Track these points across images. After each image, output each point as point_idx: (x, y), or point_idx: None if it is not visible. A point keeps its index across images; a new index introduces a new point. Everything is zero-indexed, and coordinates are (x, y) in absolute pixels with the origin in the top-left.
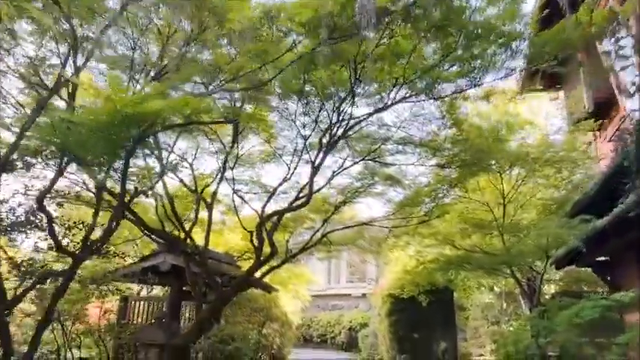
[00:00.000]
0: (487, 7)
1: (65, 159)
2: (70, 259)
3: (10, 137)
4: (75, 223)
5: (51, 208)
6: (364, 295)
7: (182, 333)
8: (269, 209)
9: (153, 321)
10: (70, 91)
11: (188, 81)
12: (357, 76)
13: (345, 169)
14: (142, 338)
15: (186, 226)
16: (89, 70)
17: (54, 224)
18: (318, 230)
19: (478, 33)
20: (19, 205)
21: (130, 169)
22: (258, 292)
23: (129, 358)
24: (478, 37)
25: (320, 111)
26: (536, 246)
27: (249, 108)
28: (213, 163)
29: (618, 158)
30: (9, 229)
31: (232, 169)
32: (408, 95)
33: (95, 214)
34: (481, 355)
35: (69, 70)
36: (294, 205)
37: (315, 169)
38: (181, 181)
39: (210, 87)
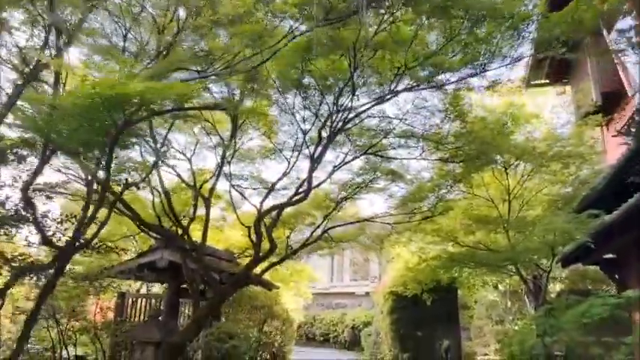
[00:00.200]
0: None
1: (50, 148)
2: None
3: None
4: (67, 216)
5: (40, 201)
6: (367, 293)
7: (179, 331)
8: (269, 205)
9: (147, 319)
10: (54, 76)
11: (178, 67)
12: (357, 65)
13: (346, 163)
14: (138, 336)
15: (185, 222)
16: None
17: (46, 217)
18: (318, 226)
19: (483, 14)
20: (7, 198)
21: (125, 162)
22: (258, 289)
23: (126, 356)
24: (484, 19)
25: (320, 105)
26: (542, 242)
27: (248, 102)
28: (213, 158)
29: (628, 152)
30: None
31: (230, 161)
32: (410, 86)
33: (85, 208)
34: (485, 354)
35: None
36: (293, 199)
37: (314, 162)
38: (179, 175)
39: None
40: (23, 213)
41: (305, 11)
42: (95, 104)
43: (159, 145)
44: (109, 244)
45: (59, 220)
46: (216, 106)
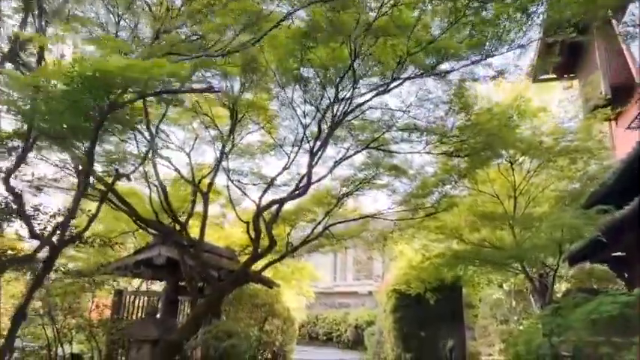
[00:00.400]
0: None
1: (33, 133)
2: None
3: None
4: (59, 209)
5: (31, 194)
6: (370, 292)
7: (177, 328)
8: (268, 200)
9: (143, 316)
10: (37, 57)
11: (171, 52)
12: (358, 54)
13: (347, 158)
14: (135, 334)
15: (183, 218)
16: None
17: (38, 211)
18: (319, 223)
19: None
20: None
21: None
22: (259, 287)
23: (122, 354)
24: None
25: (322, 99)
26: (549, 239)
27: (248, 96)
28: (212, 153)
29: (639, 146)
30: None
31: (229, 156)
32: (413, 75)
33: (76, 200)
34: (490, 354)
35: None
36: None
37: (314, 156)
38: (177, 170)
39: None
40: (13, 206)
41: None
42: (76, 85)
43: (161, 144)
44: (104, 238)
45: (52, 213)
46: (208, 89)
